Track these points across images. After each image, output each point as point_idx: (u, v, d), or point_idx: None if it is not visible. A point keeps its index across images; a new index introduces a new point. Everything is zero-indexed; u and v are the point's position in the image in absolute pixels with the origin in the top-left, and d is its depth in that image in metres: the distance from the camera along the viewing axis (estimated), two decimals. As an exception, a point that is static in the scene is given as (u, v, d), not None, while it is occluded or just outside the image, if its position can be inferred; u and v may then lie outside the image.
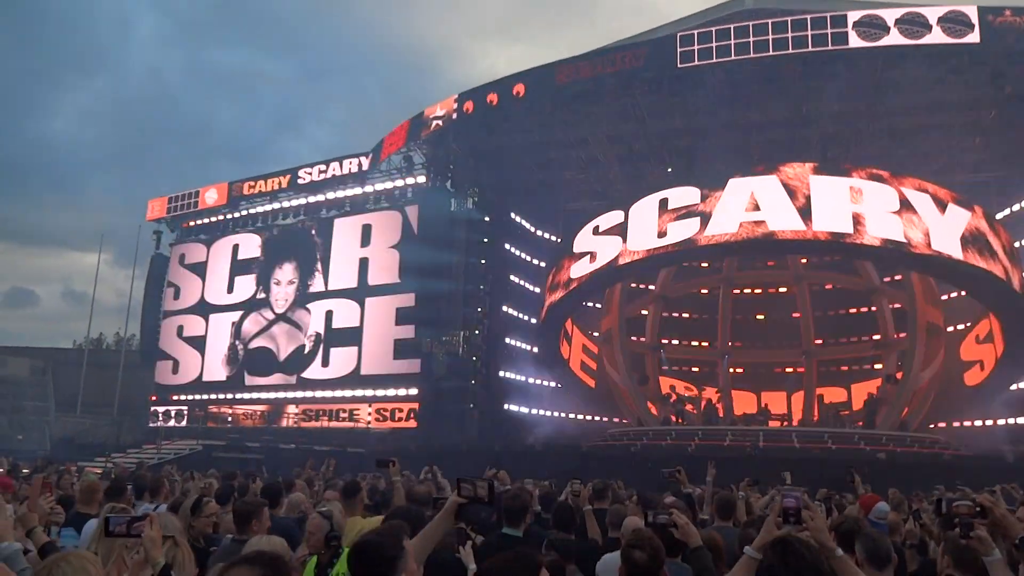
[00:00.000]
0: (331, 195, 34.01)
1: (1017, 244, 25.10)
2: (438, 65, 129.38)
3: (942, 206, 23.59)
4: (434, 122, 27.90)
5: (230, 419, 34.39)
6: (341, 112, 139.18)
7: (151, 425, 35.67)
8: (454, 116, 27.15)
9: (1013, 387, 25.95)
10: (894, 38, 21.26)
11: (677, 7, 29.62)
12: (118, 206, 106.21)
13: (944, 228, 23.26)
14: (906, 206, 23.35)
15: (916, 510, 7.48)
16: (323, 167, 33.87)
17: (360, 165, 32.59)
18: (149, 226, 39.24)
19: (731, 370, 31.46)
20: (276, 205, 35.80)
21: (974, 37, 20.83)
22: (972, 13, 20.87)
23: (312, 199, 34.66)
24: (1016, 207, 26.48)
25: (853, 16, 21.59)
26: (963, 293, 26.64)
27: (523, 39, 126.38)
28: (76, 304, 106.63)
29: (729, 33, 22.63)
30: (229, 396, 34.83)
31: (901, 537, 6.11)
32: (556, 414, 31.41)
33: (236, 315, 35.32)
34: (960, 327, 28.10)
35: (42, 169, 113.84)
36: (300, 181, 34.46)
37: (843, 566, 2.76)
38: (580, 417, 31.90)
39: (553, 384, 31.37)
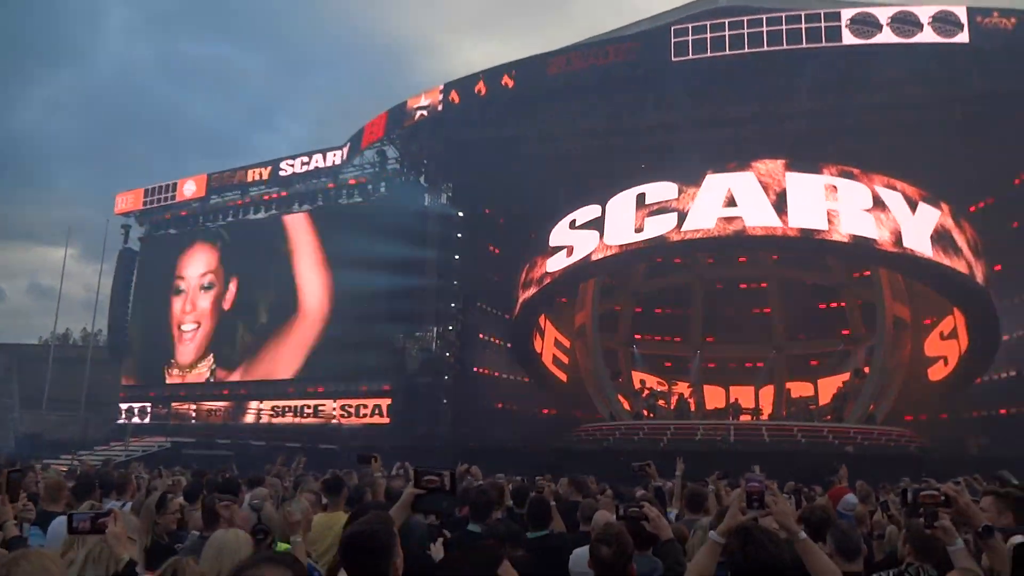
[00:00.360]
0: (302, 189, 33.68)
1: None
2: (413, 60, 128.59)
3: (912, 204, 23.99)
4: (418, 112, 27.64)
5: (194, 417, 34.01)
6: (316, 106, 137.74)
7: (119, 422, 35.16)
8: (440, 107, 26.90)
9: (976, 382, 26.49)
10: (886, 36, 21.60)
11: (652, 4, 29.65)
12: (86, 200, 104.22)
13: (915, 226, 23.66)
14: (879, 203, 23.71)
15: (884, 501, 7.60)
16: (305, 159, 33.34)
17: (342, 157, 32.23)
18: (118, 220, 38.63)
19: (705, 364, 31.72)
20: (247, 199, 35.37)
21: (963, 37, 21.25)
22: (962, 13, 21.32)
23: (284, 193, 34.30)
24: (982, 203, 26.96)
25: (847, 13, 21.86)
26: (929, 289, 27.08)
27: (498, 34, 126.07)
28: (42, 299, 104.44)
29: (724, 27, 22.78)
30: (197, 393, 34.47)
31: (868, 528, 6.21)
32: (530, 409, 31.47)
33: (205, 308, 34.92)
34: (926, 323, 28.60)
35: (8, 162, 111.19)
36: (282, 173, 33.90)
37: (807, 548, 2.77)
38: (553, 412, 31.99)
39: (526, 380, 31.40)
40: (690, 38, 23.18)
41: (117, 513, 3.11)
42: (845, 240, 23.88)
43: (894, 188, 24.16)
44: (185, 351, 35.06)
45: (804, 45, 22.23)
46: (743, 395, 30.42)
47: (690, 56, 23.09)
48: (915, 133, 24.57)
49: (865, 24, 21.68)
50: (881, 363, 26.52)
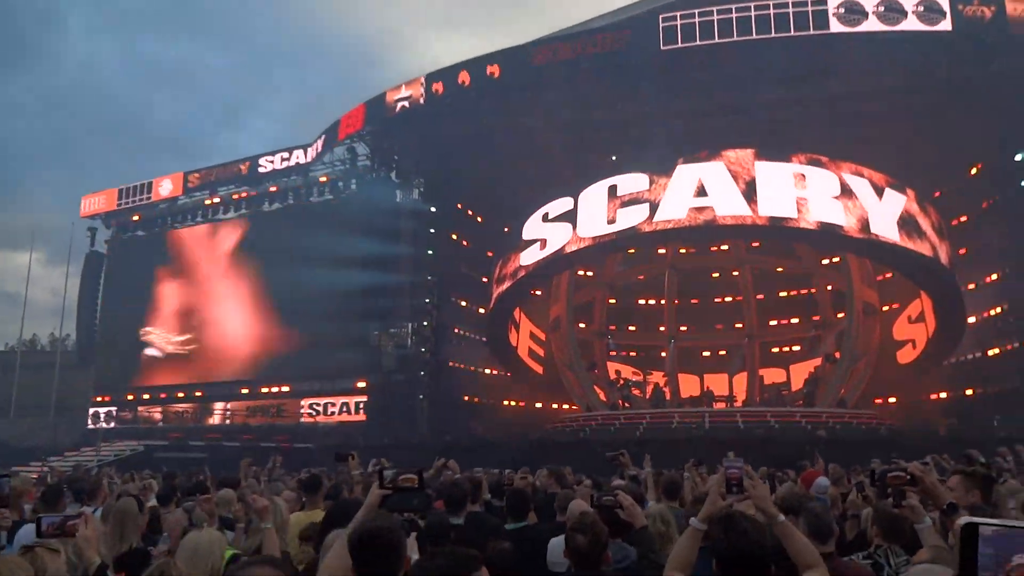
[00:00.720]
0: (272, 187, 33.32)
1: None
2: (382, 55, 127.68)
3: (879, 191, 24.36)
4: (399, 104, 27.33)
5: (160, 420, 33.66)
6: (284, 104, 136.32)
7: (89, 427, 34.64)
8: (422, 98, 26.62)
9: (945, 363, 27.04)
10: (872, 24, 21.86)
11: (616, -1, 29.66)
12: (51, 203, 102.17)
13: (881, 212, 24.04)
14: (847, 191, 24.05)
15: (859, 482, 7.72)
16: (285, 155, 32.97)
17: (317, 150, 31.83)
18: (84, 223, 38.01)
19: (677, 353, 31.95)
20: (216, 199, 34.93)
21: (946, 25, 21.57)
22: (944, 2, 21.69)
23: (254, 192, 33.92)
24: (946, 189, 27.46)
25: (834, 1, 22.06)
26: (896, 274, 27.55)
27: (466, 29, 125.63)
28: (7, 305, 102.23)
29: (712, 14, 22.86)
30: (170, 396, 34.08)
31: (840, 510, 6.30)
32: (506, 403, 31.52)
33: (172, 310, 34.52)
34: (894, 307, 29.09)
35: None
36: (261, 170, 33.47)
37: (786, 531, 2.82)
38: (530, 405, 32.07)
39: (503, 373, 31.44)
40: (679, 23, 23.18)
41: (88, 516, 3.08)
42: (813, 227, 24.22)
43: (861, 175, 24.52)
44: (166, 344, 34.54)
45: (792, 33, 22.39)
46: (717, 383, 30.73)
47: (679, 44, 23.08)
48: (884, 120, 24.96)
49: (852, 12, 21.93)
50: (851, 348, 26.92)
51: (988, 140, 24.76)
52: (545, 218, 27.23)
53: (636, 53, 23.90)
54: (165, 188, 35.95)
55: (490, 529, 5.11)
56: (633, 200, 25.49)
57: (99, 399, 35.90)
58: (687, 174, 25.04)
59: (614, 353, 31.91)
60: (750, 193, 24.23)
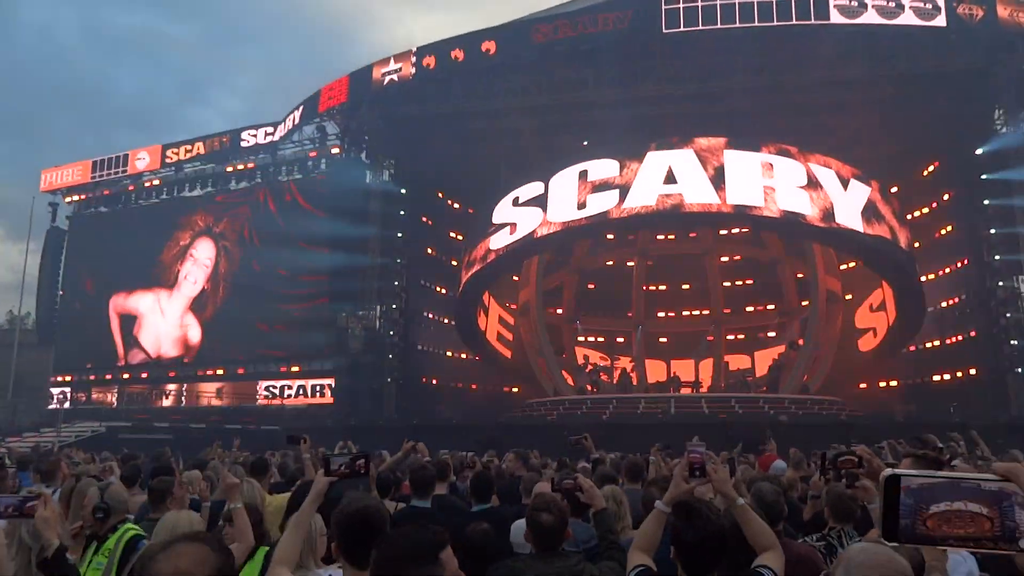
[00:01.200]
0: (240, 165, 32.84)
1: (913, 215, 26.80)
2: (351, 32, 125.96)
3: (844, 182, 24.78)
4: (387, 77, 26.88)
5: (118, 400, 33.27)
6: (251, 80, 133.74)
7: (50, 407, 34.06)
8: (412, 72, 26.18)
9: (902, 352, 27.70)
10: (871, 16, 22.22)
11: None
12: (9, 177, 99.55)
13: (846, 202, 24.46)
14: (813, 181, 24.41)
15: (823, 465, 7.90)
16: (270, 129, 32.25)
17: (294, 121, 31.15)
18: (44, 197, 37.16)
19: (643, 339, 32.26)
20: (181, 174, 34.37)
21: (941, 21, 22.03)
22: None
23: (219, 169, 33.43)
24: (903, 182, 28.02)
25: None
26: (859, 264, 28.08)
27: (438, 7, 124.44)
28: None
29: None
30: (132, 377, 33.63)
31: (799, 492, 6.45)
32: (474, 386, 31.58)
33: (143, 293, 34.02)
34: (856, 296, 29.68)
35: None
36: (243, 144, 32.79)
37: (743, 514, 2.93)
38: (498, 389, 32.19)
39: (471, 357, 31.49)
40: (681, 6, 23.14)
41: (47, 497, 3.03)
42: (777, 216, 24.57)
43: (828, 166, 24.89)
44: (147, 331, 34.03)
45: (794, 21, 22.54)
46: (683, 368, 31.12)
47: (681, 28, 23.06)
48: (845, 112, 25.37)
49: (853, 3, 22.25)
50: (814, 335, 27.42)
51: (948, 134, 25.32)
52: (515, 202, 27.21)
53: (637, 34, 23.83)
54: (142, 161, 35.15)
55: (456, 511, 5.17)
56: (603, 185, 25.58)
57: (59, 379, 35.31)
58: (657, 160, 25.19)
59: (581, 339, 32.11)
60: (718, 181, 24.48)
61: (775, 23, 22.81)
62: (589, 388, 28.68)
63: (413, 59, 26.38)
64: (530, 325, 30.44)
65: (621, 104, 25.59)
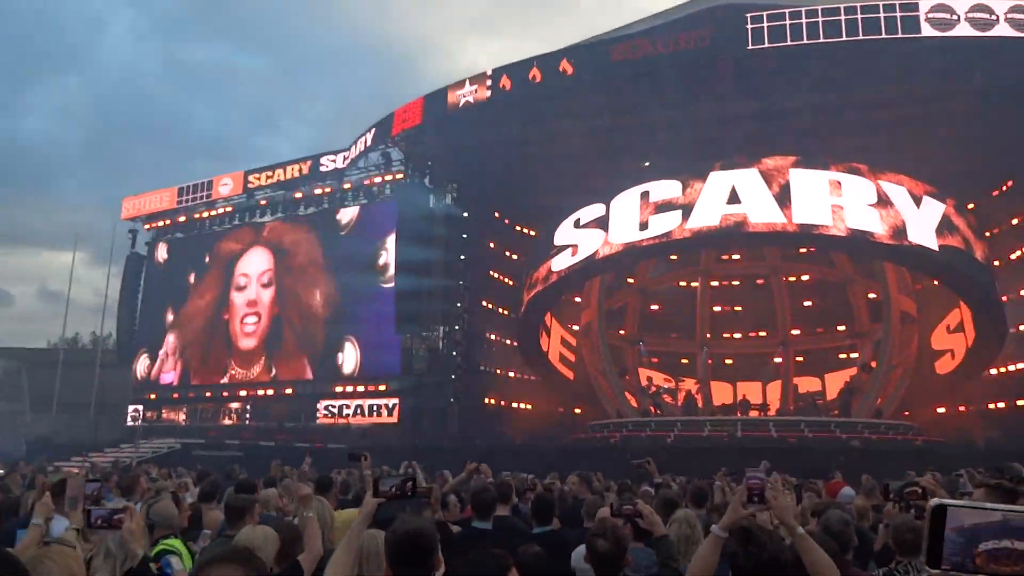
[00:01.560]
0: (316, 191, 33.68)
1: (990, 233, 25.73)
2: (417, 61, 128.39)
3: (917, 200, 23.95)
4: (463, 100, 27.06)
5: (183, 420, 34.31)
6: (319, 109, 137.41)
7: (128, 424, 35.43)
8: (488, 96, 26.29)
9: (983, 375, 26.46)
10: (964, 29, 21.44)
11: (654, 3, 29.50)
12: (93, 205, 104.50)
13: (919, 220, 23.59)
14: (883, 199, 23.68)
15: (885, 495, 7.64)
16: (347, 153, 32.83)
17: (366, 143, 31.58)
18: (125, 224, 39.03)
19: (709, 361, 31.72)
20: (252, 200, 35.52)
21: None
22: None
23: (288, 195, 34.43)
24: (981, 200, 26.92)
25: (925, 5, 21.70)
26: (935, 283, 27.05)
27: (502, 34, 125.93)
28: (51, 304, 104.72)
29: (800, 15, 22.42)
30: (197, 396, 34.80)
31: (869, 521, 6.26)
32: (536, 407, 31.54)
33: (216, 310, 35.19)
34: (932, 317, 28.54)
35: (14, 169, 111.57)
36: (322, 168, 33.51)
37: (803, 543, 2.84)
38: (560, 410, 32.05)
39: (533, 378, 31.48)
40: (766, 25, 22.67)
41: (132, 509, 3.21)
42: (843, 234, 23.85)
43: (900, 184, 24.13)
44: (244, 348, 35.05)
45: (883, 35, 21.97)
46: (751, 391, 30.43)
47: (765, 44, 22.69)
48: (921, 128, 24.57)
49: (943, 15, 21.59)
50: (888, 357, 26.48)
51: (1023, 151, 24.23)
52: (577, 224, 27.21)
53: (720, 52, 23.37)
54: (226, 187, 36.36)
55: (517, 533, 5.19)
56: (666, 205, 25.36)
57: (138, 398, 36.69)
58: (721, 180, 24.86)
59: (645, 360, 31.76)
60: (783, 199, 23.97)
61: (861, 37, 22.19)
62: (653, 410, 28.32)
63: (489, 81, 26.54)
64: (592, 346, 30.28)
65: (684, 125, 25.39)
